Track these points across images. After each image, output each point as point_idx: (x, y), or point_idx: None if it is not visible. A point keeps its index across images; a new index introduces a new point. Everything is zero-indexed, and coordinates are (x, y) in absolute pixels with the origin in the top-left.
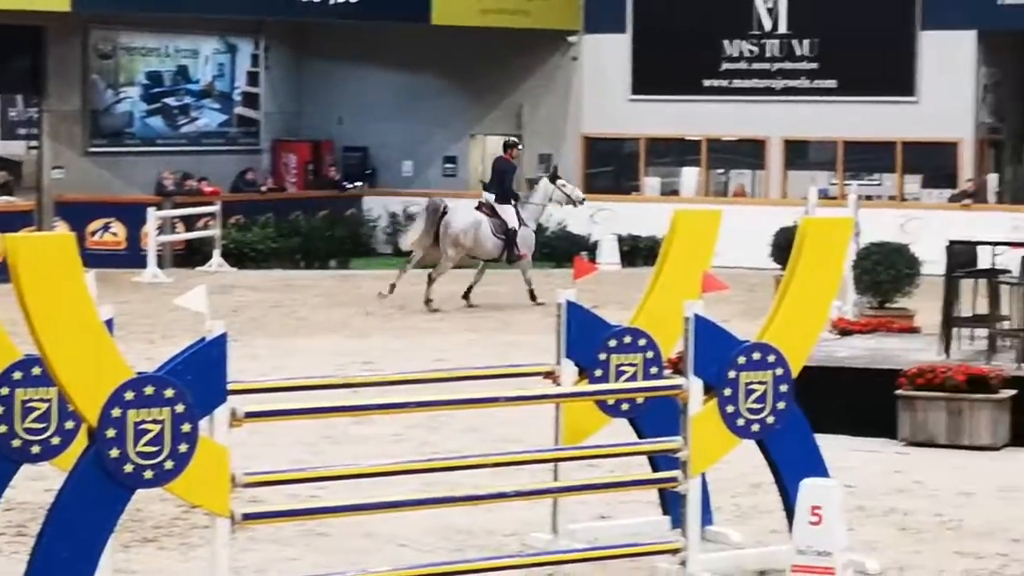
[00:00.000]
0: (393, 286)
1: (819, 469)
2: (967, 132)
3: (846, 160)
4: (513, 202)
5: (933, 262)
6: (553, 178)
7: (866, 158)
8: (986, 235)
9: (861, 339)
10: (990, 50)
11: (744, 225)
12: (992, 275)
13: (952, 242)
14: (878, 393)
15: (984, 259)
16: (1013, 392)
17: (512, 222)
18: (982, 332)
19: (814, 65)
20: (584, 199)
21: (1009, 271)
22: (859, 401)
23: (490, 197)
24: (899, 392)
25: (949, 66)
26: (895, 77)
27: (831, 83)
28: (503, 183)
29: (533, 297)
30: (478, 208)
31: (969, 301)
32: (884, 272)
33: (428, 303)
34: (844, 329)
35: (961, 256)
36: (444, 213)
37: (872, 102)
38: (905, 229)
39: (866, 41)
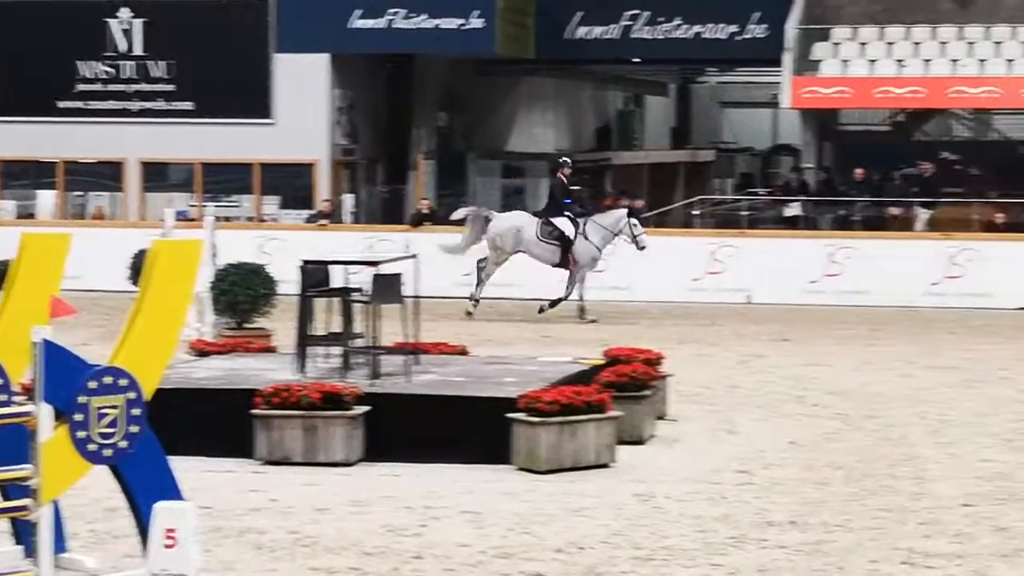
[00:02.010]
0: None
1: (173, 492)
2: (322, 153)
3: (204, 182)
4: (575, 214)
5: (292, 282)
6: (631, 213)
7: (224, 180)
8: (340, 254)
9: (219, 360)
10: (342, 73)
11: (103, 248)
12: (345, 294)
13: (305, 262)
14: (235, 413)
15: (338, 278)
16: (367, 408)
17: (568, 231)
18: (337, 350)
19: (171, 87)
20: (645, 248)
21: (361, 289)
22: (216, 422)
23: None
24: (255, 411)
25: (303, 89)
26: (251, 99)
27: (188, 105)
28: (554, 198)
29: (582, 313)
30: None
31: (324, 320)
32: (242, 292)
33: (474, 301)
34: (201, 350)
35: (315, 276)
36: (488, 220)
37: (229, 124)
38: (264, 250)
39: (222, 64)
